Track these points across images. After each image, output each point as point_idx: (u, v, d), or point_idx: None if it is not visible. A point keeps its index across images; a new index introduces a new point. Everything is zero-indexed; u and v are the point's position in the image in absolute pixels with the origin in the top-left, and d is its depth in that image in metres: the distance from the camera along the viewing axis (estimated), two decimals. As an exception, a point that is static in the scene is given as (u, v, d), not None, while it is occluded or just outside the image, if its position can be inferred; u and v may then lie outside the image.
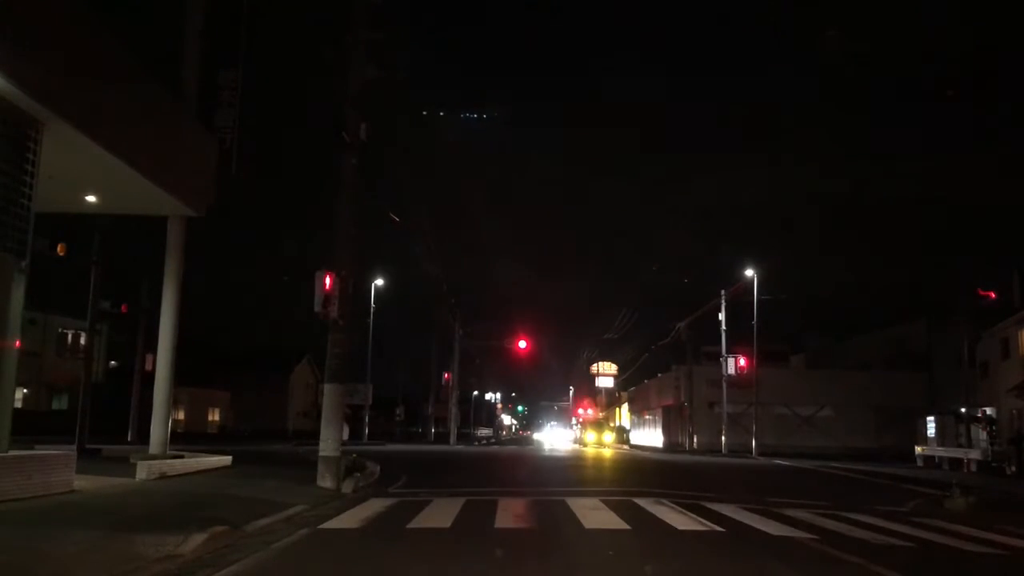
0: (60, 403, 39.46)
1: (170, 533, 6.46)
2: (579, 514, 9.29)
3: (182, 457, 13.54)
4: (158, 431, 13.47)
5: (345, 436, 12.77)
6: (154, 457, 12.73)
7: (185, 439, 25.68)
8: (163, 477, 11.97)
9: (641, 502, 10.73)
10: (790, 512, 10.13)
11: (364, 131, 12.96)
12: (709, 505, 10.60)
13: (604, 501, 10.81)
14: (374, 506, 10.04)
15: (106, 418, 27.15)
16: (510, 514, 9.35)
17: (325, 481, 12.10)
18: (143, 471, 11.59)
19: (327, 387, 12.63)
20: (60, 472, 9.25)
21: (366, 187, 13.74)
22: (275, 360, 54.85)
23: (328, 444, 12.33)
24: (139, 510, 8.20)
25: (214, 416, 52.13)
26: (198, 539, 6.43)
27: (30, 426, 22.41)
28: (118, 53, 10.04)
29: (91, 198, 11.96)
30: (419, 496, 11.23)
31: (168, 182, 11.58)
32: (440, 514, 9.12)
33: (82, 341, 33.06)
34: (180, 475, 12.43)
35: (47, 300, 32.74)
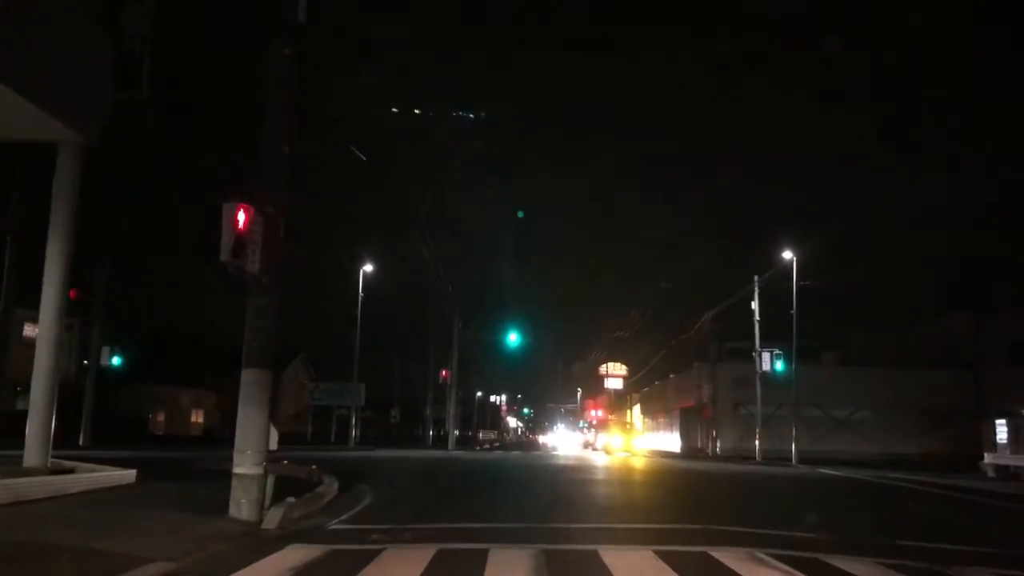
0: (26, 403, 35.78)
1: None
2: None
3: (70, 472, 10.64)
4: (36, 437, 10.61)
5: (273, 445, 8.87)
6: (25, 473, 9.76)
7: (164, 442, 24.85)
8: (16, 504, 8.53)
9: (722, 557, 6.66)
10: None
11: (302, 10, 9.10)
12: (832, 562, 6.59)
13: (662, 555, 6.72)
14: (289, 559, 6.18)
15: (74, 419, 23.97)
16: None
17: (240, 510, 8.31)
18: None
19: (245, 373, 8.71)
20: None
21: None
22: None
23: (246, 456, 8.51)
24: None
25: (198, 418, 48.55)
26: None
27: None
28: None
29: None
30: (368, 539, 7.25)
31: (47, 101, 9.53)
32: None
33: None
34: (42, 500, 9.07)
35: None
